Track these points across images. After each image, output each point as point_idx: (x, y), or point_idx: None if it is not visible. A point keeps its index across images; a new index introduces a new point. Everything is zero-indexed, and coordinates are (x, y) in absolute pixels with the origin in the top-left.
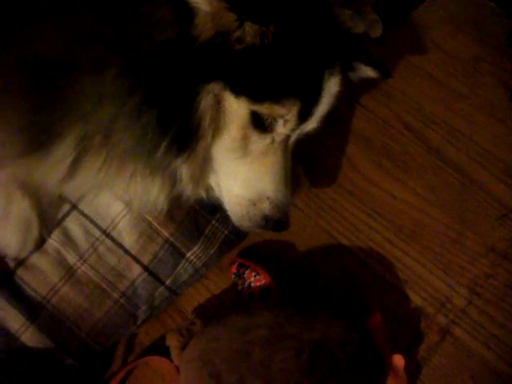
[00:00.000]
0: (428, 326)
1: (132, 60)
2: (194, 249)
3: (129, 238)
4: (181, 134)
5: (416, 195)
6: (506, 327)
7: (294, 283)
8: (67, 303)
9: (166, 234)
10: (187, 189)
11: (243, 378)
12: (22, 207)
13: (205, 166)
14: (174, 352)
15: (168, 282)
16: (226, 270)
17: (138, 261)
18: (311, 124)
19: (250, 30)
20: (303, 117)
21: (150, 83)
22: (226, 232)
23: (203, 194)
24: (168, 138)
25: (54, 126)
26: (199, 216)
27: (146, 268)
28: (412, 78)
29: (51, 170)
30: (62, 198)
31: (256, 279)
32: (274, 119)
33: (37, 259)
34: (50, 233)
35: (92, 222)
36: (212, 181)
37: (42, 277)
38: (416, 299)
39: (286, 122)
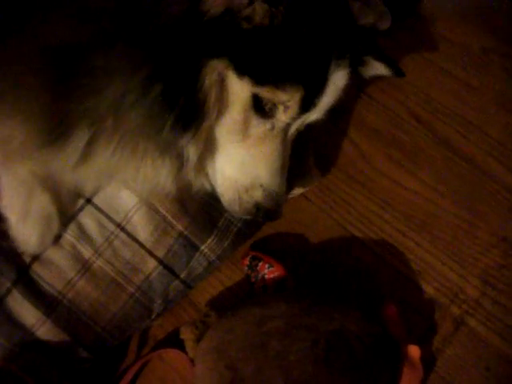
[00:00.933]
0: (442, 316)
1: (140, 34)
2: (208, 241)
3: (143, 232)
4: (186, 110)
5: (427, 186)
6: None
7: (307, 275)
8: (83, 297)
9: (180, 227)
10: (193, 173)
11: (260, 369)
12: (42, 203)
13: (209, 147)
14: (188, 344)
15: (182, 275)
16: (239, 262)
17: (152, 254)
18: (313, 115)
19: (259, 10)
20: (306, 106)
21: (158, 57)
22: (239, 225)
23: (206, 184)
24: (174, 115)
25: (72, 114)
26: (212, 209)
27: (160, 261)
28: (420, 70)
29: (69, 159)
30: (76, 193)
31: (270, 271)
32: (275, 105)
33: (52, 254)
34: (65, 227)
35: (106, 215)
36: (209, 165)
37: (57, 271)
38: (429, 290)
39: (286, 108)
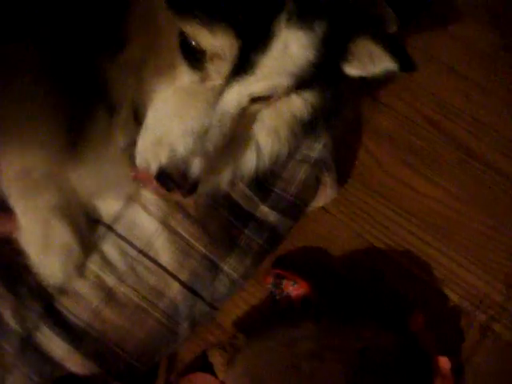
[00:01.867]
0: (468, 323)
1: None
2: (230, 260)
3: (166, 256)
4: (105, 30)
5: (445, 192)
6: None
7: (330, 289)
8: (109, 326)
9: (201, 248)
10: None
11: None
12: (62, 234)
13: (139, 90)
14: (218, 368)
15: (207, 296)
16: (262, 280)
17: (176, 278)
18: (255, 84)
19: None
20: (241, 64)
21: None
22: (259, 241)
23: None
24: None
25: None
26: (232, 227)
27: (184, 284)
28: (430, 70)
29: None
30: (97, 221)
31: (294, 288)
32: (205, 53)
33: (77, 285)
34: (87, 257)
35: (128, 242)
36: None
37: (83, 302)
38: (454, 297)
39: (217, 60)
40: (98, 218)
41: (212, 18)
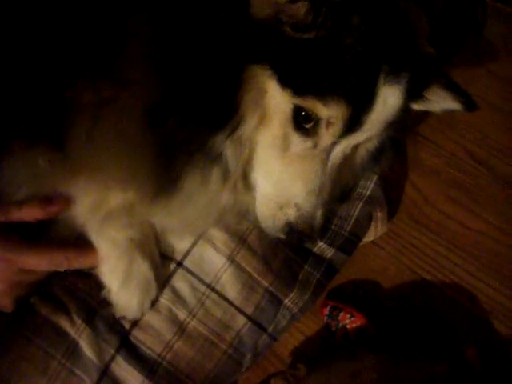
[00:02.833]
0: None
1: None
2: (291, 295)
3: (232, 291)
4: (222, 109)
5: (490, 225)
6: None
7: (384, 322)
8: (181, 358)
9: (265, 283)
10: (241, 185)
11: None
12: (142, 269)
13: (250, 161)
14: None
15: (270, 329)
16: (317, 311)
17: (241, 311)
18: (361, 135)
19: (302, 9)
20: (351, 124)
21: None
22: (318, 276)
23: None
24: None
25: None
26: (293, 262)
27: (249, 318)
28: None
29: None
30: (168, 257)
31: (351, 321)
32: (318, 122)
33: (150, 318)
34: (160, 292)
35: (197, 277)
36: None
37: (156, 335)
38: (502, 329)
39: (330, 125)
40: (169, 255)
41: (326, 92)
